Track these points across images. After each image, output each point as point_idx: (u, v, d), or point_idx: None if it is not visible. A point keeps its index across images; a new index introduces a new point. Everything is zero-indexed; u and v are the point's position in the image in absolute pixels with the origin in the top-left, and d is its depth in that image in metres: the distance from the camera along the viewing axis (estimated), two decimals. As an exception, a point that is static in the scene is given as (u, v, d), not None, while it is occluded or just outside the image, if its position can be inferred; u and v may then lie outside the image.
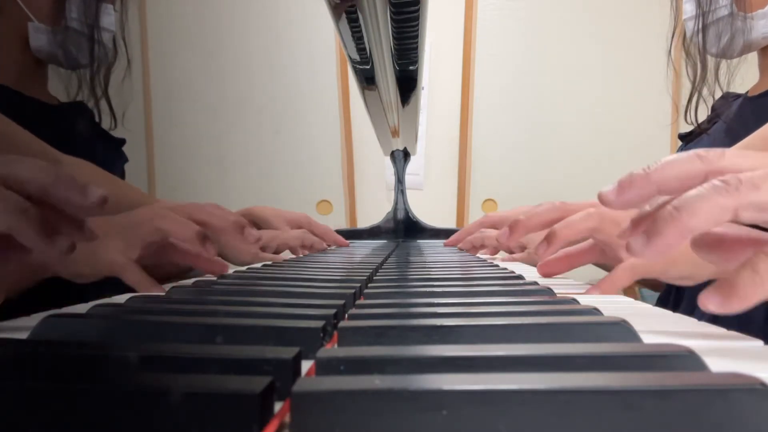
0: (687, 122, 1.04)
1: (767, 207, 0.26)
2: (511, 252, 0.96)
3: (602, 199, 0.32)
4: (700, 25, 0.89)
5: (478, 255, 0.95)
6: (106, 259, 0.50)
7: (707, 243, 0.29)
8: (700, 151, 0.30)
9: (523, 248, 0.93)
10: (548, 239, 0.53)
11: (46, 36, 0.86)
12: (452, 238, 1.07)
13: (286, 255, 0.91)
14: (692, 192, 0.27)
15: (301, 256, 0.91)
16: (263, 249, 0.87)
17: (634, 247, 0.28)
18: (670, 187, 0.30)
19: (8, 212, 0.31)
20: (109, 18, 0.92)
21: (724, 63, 0.94)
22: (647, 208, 0.33)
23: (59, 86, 0.96)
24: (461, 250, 1.02)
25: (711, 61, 0.94)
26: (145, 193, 0.90)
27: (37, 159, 0.33)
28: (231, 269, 0.63)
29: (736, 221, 0.27)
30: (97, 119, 1.00)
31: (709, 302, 0.27)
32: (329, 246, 1.04)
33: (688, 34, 0.93)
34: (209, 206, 0.60)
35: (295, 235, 0.94)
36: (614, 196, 0.32)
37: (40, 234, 0.31)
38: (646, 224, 0.31)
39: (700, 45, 0.90)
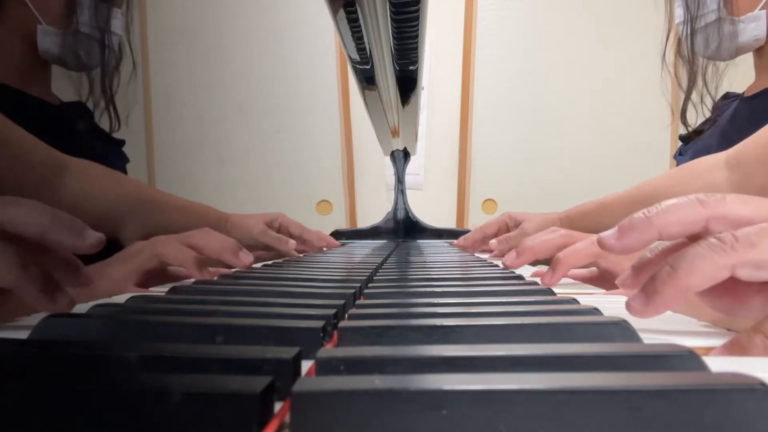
0: (682, 124, 1.05)
1: (764, 265, 0.26)
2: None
3: (602, 244, 0.32)
4: (689, 30, 0.90)
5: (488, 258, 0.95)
6: (105, 288, 0.51)
7: (714, 291, 0.29)
8: (701, 195, 0.30)
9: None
10: (553, 267, 0.54)
11: (55, 39, 0.87)
12: (468, 237, 1.04)
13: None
14: (689, 250, 0.28)
15: (301, 256, 0.91)
16: (269, 226, 0.89)
17: (634, 307, 0.29)
18: (672, 231, 0.30)
19: (10, 269, 0.31)
20: (117, 22, 0.93)
21: (712, 65, 0.95)
22: (648, 255, 0.33)
23: (64, 87, 0.97)
24: (462, 249, 1.01)
25: (700, 65, 0.94)
26: (156, 188, 0.91)
27: (33, 201, 0.33)
28: (230, 269, 0.63)
29: (734, 278, 0.27)
30: (97, 120, 1.01)
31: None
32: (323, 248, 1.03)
33: (682, 36, 0.94)
34: (204, 231, 0.62)
35: (296, 224, 0.94)
36: (614, 241, 0.32)
37: (42, 291, 0.32)
38: (647, 273, 0.32)
39: (689, 49, 0.91)
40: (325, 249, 1.02)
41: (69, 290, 0.34)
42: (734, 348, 0.26)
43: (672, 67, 1.08)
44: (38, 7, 0.86)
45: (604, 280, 0.59)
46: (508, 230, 0.97)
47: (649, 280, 0.28)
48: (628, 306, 0.29)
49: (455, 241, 1.04)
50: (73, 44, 0.87)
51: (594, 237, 0.56)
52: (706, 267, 0.27)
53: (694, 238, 0.30)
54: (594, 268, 0.62)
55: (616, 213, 0.68)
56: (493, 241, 0.88)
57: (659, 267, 0.28)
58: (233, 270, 0.61)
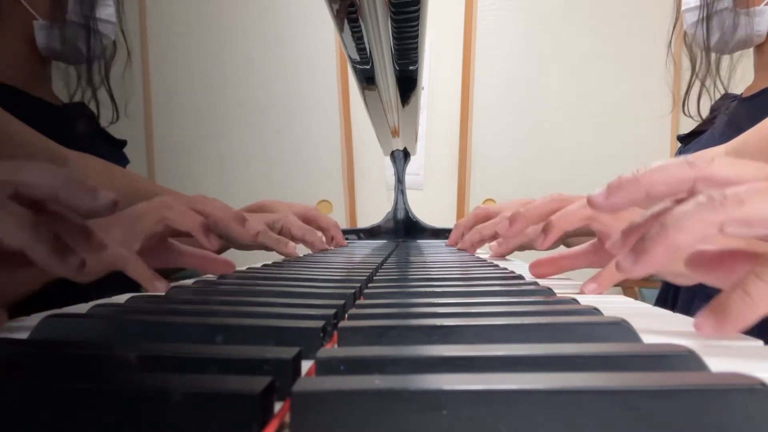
0: (686, 114, 1.04)
1: (752, 222, 0.27)
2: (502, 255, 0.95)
3: (591, 202, 0.33)
4: (703, 15, 0.88)
5: (476, 254, 0.95)
6: (109, 252, 0.50)
7: (702, 262, 0.29)
8: (689, 156, 0.31)
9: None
10: (545, 230, 0.54)
11: (50, 32, 0.86)
12: (451, 237, 1.06)
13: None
14: (678, 209, 0.28)
15: (301, 256, 0.91)
16: (270, 228, 0.87)
17: (623, 266, 0.29)
18: (659, 191, 0.31)
19: (22, 229, 0.31)
20: (107, 9, 0.91)
21: (726, 57, 0.94)
22: (637, 219, 0.33)
23: (60, 83, 0.96)
24: (461, 250, 1.02)
25: (713, 53, 0.93)
26: (155, 183, 0.90)
27: (46, 163, 0.33)
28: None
29: (721, 235, 0.27)
30: (97, 114, 1.00)
31: (704, 326, 0.28)
32: (331, 243, 1.03)
33: (686, 26, 0.93)
34: (209, 199, 0.61)
35: (298, 225, 0.93)
36: (603, 199, 0.32)
37: (53, 252, 0.31)
38: (635, 237, 0.32)
39: (704, 36, 0.90)
40: (331, 247, 1.03)
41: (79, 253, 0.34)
42: (716, 308, 0.27)
43: (677, 57, 1.07)
44: (31, 3, 0.85)
45: (596, 253, 0.59)
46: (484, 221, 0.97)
47: (639, 240, 0.29)
48: (618, 266, 0.29)
49: (459, 245, 1.04)
50: (67, 36, 0.86)
51: (584, 200, 0.56)
52: (695, 224, 0.27)
53: (683, 201, 0.30)
54: (592, 241, 0.61)
55: None
56: (493, 244, 0.88)
57: (650, 226, 0.28)
58: (233, 270, 0.61)
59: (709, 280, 0.30)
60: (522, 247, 0.94)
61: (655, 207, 0.33)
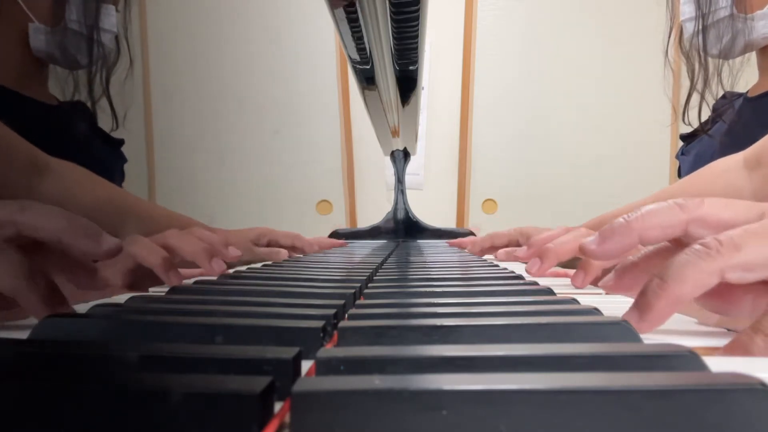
0: (685, 123, 1.04)
1: (752, 267, 0.26)
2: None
3: (584, 250, 0.33)
4: (700, 27, 0.89)
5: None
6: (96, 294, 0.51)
7: (704, 294, 0.29)
8: (679, 200, 0.31)
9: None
10: (583, 267, 0.53)
11: (46, 36, 0.86)
12: (474, 248, 1.03)
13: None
14: (676, 259, 0.27)
15: (300, 256, 0.91)
16: (256, 243, 0.87)
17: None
18: (652, 235, 0.31)
19: (16, 277, 0.31)
20: (110, 19, 0.92)
21: (726, 64, 0.94)
22: (630, 258, 0.33)
23: (57, 86, 0.96)
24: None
25: (712, 62, 0.93)
26: (135, 195, 0.89)
27: (51, 206, 0.33)
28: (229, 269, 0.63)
29: (724, 282, 0.27)
30: (96, 120, 1.00)
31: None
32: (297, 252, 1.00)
33: (686, 35, 0.93)
34: (187, 232, 0.60)
35: (284, 234, 0.92)
36: (596, 246, 0.32)
37: (43, 302, 0.31)
38: (630, 276, 0.32)
39: (700, 46, 0.90)
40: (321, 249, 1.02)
41: (81, 291, 0.34)
42: (736, 349, 0.26)
43: (675, 65, 1.07)
44: (29, 6, 0.85)
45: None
46: (518, 245, 0.95)
47: (640, 295, 0.28)
48: None
49: (467, 248, 1.03)
50: (63, 41, 0.87)
51: (580, 230, 0.56)
52: (695, 275, 0.27)
53: (676, 242, 0.30)
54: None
55: None
56: (500, 252, 0.88)
57: (649, 279, 0.28)
58: (232, 270, 0.61)
59: (711, 308, 0.30)
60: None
61: (648, 247, 0.33)
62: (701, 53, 0.92)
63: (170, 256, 0.55)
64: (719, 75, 0.94)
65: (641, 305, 0.28)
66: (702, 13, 0.88)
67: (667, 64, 1.07)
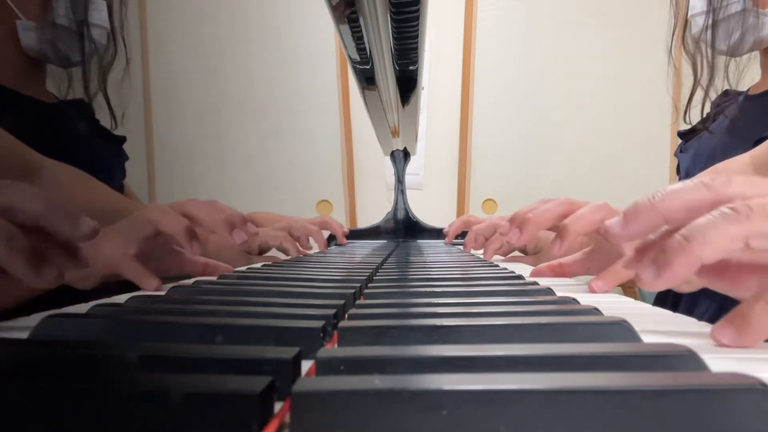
0: (686, 123, 1.04)
1: None
2: (524, 251, 0.95)
3: (608, 233, 0.32)
4: (710, 21, 0.87)
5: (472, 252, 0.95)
6: (103, 257, 0.51)
7: (711, 269, 0.28)
8: (706, 179, 0.29)
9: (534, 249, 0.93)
10: (560, 235, 0.53)
11: (35, 34, 0.85)
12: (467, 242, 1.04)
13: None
14: (701, 220, 0.26)
15: (291, 257, 0.91)
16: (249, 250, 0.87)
17: (644, 279, 0.28)
18: (677, 217, 0.30)
19: None
20: (99, 14, 0.90)
21: (733, 61, 0.93)
22: (651, 236, 0.32)
23: (53, 84, 0.95)
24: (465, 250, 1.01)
25: (718, 59, 0.93)
26: (128, 198, 0.89)
27: (29, 185, 0.33)
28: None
29: (746, 249, 0.26)
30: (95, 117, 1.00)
31: (722, 336, 0.27)
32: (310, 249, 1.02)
33: (694, 30, 0.92)
34: (206, 203, 0.60)
35: (273, 235, 0.92)
36: (620, 228, 0.31)
37: (27, 263, 0.31)
38: (652, 252, 0.31)
39: (709, 42, 0.89)
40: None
41: (63, 268, 0.34)
42: (736, 318, 0.26)
43: (677, 62, 1.07)
44: (15, 2, 0.84)
45: (592, 259, 0.59)
46: None
47: (660, 252, 0.27)
48: (638, 279, 0.28)
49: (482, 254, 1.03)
50: (51, 38, 0.85)
51: (598, 203, 0.56)
52: (720, 237, 0.26)
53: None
54: (581, 253, 0.61)
55: None
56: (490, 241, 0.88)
57: (671, 237, 0.27)
58: (233, 270, 0.61)
59: (716, 286, 0.30)
60: (524, 251, 0.94)
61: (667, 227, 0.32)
62: (708, 49, 0.92)
63: (192, 225, 0.54)
64: (726, 71, 0.94)
65: (660, 261, 0.27)
66: (713, 8, 0.87)
67: (671, 61, 1.07)
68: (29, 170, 0.67)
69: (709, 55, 0.91)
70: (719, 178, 0.29)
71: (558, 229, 0.54)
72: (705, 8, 0.89)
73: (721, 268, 0.28)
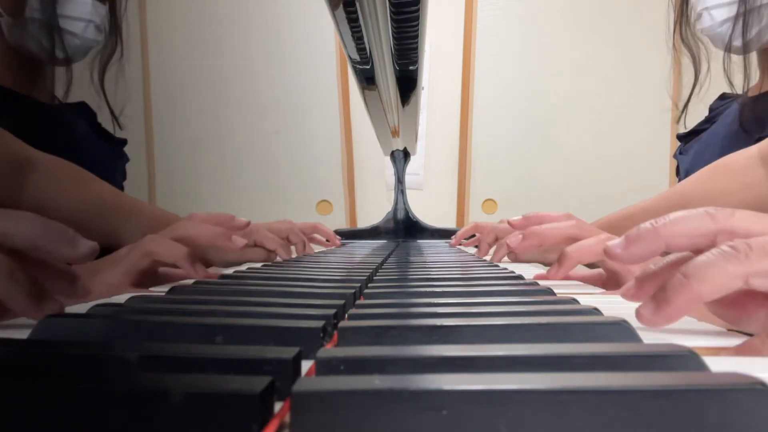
0: (684, 127, 1.04)
1: None
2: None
3: (609, 253, 0.32)
4: (742, 11, 0.86)
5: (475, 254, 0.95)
6: (103, 288, 0.51)
7: (718, 301, 0.29)
8: (710, 209, 0.30)
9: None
10: (560, 260, 0.54)
11: (14, 30, 0.83)
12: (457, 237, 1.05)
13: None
14: (701, 258, 0.27)
15: (302, 256, 0.91)
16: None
17: (644, 315, 0.28)
18: (679, 243, 0.30)
19: None
20: (77, 6, 0.88)
21: (737, 59, 0.92)
22: (652, 267, 0.33)
23: (48, 82, 0.94)
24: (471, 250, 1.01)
25: (728, 55, 0.92)
26: (126, 194, 0.88)
27: (25, 212, 0.33)
28: (230, 270, 0.63)
29: (747, 288, 0.26)
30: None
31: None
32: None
33: (707, 24, 0.90)
34: (185, 222, 0.60)
35: (270, 237, 0.92)
36: (621, 250, 0.32)
37: (29, 299, 0.31)
38: (651, 285, 0.31)
39: (726, 35, 0.88)
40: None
41: (62, 299, 0.34)
42: (747, 352, 0.26)
43: (675, 60, 1.06)
44: None
45: (609, 282, 0.59)
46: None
47: (660, 289, 0.28)
48: (638, 315, 0.28)
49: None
50: (31, 33, 0.83)
51: (604, 235, 0.56)
52: (719, 276, 0.26)
53: (701, 252, 0.30)
54: (600, 270, 0.61)
55: None
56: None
57: (671, 275, 0.28)
58: (233, 270, 0.61)
59: (724, 317, 0.30)
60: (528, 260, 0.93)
61: (671, 256, 0.32)
62: (714, 44, 0.90)
63: (190, 248, 0.55)
64: (729, 68, 0.93)
65: (660, 299, 0.28)
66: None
67: (672, 57, 1.06)
68: (22, 164, 0.67)
69: (728, 47, 0.90)
70: (723, 210, 0.30)
71: (560, 255, 0.54)
72: (724, 0, 0.87)
73: (729, 300, 0.28)
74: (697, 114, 1.03)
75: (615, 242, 0.32)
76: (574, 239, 0.56)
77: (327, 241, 1.12)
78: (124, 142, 1.05)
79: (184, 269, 0.54)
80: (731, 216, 0.29)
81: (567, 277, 0.61)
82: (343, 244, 1.24)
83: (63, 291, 0.35)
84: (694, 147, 0.99)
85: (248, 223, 0.62)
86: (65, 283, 0.35)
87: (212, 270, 0.63)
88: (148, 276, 0.56)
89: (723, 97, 0.98)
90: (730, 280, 0.26)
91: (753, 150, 0.69)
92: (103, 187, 0.79)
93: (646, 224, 0.31)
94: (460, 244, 1.15)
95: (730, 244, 0.27)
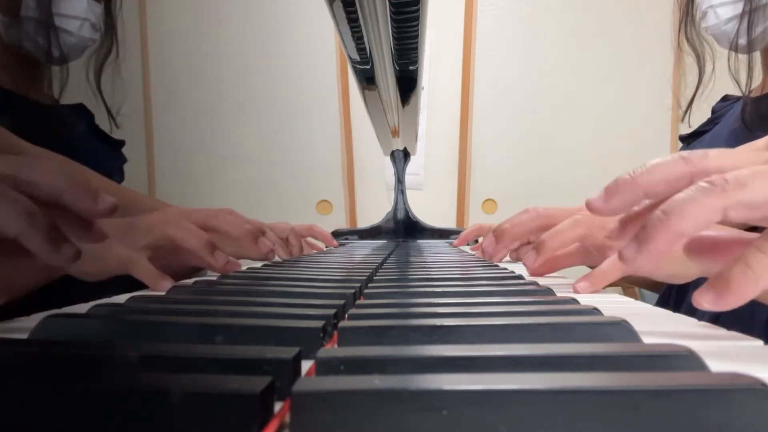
0: (689, 126, 1.04)
1: (756, 205, 0.26)
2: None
3: (590, 207, 0.32)
4: (738, 12, 0.86)
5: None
6: (114, 254, 0.51)
7: (700, 248, 0.29)
8: (683, 152, 0.30)
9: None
10: (537, 248, 0.54)
11: (9, 29, 0.83)
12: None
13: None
14: (679, 195, 0.27)
15: (301, 257, 0.91)
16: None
17: (626, 255, 0.28)
18: (657, 190, 0.30)
19: (17, 217, 0.31)
20: (74, 4, 0.87)
21: (743, 58, 0.92)
22: (635, 208, 0.33)
23: (46, 81, 0.94)
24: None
25: (732, 54, 0.91)
26: (121, 186, 0.88)
27: (51, 160, 0.33)
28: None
29: (726, 221, 0.27)
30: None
31: (703, 300, 0.27)
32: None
33: (712, 22, 0.90)
34: (223, 212, 0.60)
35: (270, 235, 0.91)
36: (602, 203, 0.32)
37: (47, 240, 0.31)
38: (634, 226, 0.31)
39: (731, 33, 0.88)
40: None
41: (79, 243, 0.34)
42: (716, 281, 0.26)
43: (676, 60, 1.06)
44: None
45: (586, 254, 0.58)
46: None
47: (641, 228, 0.28)
48: (621, 256, 0.28)
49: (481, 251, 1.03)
50: (26, 32, 0.83)
51: (577, 216, 0.56)
52: (698, 210, 0.26)
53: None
54: (576, 243, 0.61)
55: None
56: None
57: (651, 214, 0.28)
58: (233, 270, 0.61)
59: (708, 265, 0.30)
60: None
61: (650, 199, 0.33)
62: (720, 43, 0.90)
63: (212, 238, 0.55)
64: (736, 67, 0.92)
65: (641, 238, 0.28)
66: None
67: (674, 57, 1.06)
68: (10, 154, 0.67)
69: (734, 45, 0.89)
70: (696, 152, 0.30)
71: (536, 243, 0.54)
72: None
73: (710, 247, 0.28)
74: (699, 115, 1.03)
75: (595, 196, 0.32)
76: (544, 228, 0.56)
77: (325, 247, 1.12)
78: (121, 143, 1.05)
79: (204, 257, 0.54)
80: (705, 157, 0.30)
81: (549, 269, 0.61)
82: (342, 244, 1.24)
83: (79, 235, 0.35)
84: (696, 148, 0.99)
85: (273, 249, 0.61)
86: (82, 227, 0.36)
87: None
88: (166, 253, 0.56)
89: (726, 98, 0.98)
90: (709, 214, 0.26)
91: (760, 143, 0.69)
92: (98, 179, 0.78)
93: (624, 174, 0.31)
94: (468, 245, 1.15)
95: (707, 179, 0.27)
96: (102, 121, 1.02)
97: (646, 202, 0.32)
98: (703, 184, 0.27)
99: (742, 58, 0.92)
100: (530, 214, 0.61)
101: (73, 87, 0.98)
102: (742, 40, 0.87)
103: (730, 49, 0.90)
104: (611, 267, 0.49)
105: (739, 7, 0.86)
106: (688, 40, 0.98)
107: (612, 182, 0.32)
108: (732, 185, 0.26)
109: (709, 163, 0.29)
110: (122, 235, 0.54)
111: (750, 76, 0.91)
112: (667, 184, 0.30)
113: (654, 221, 0.27)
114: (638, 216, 0.32)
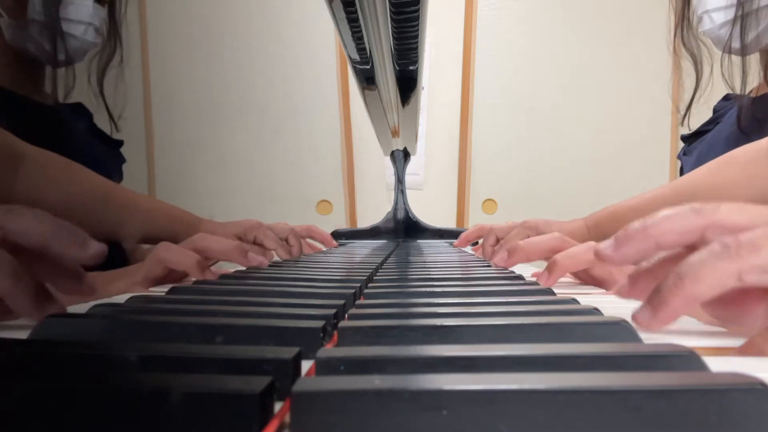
0: (689, 128, 1.04)
1: None
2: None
3: (599, 255, 0.32)
4: (732, 17, 0.86)
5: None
6: (114, 291, 0.52)
7: (716, 300, 0.29)
8: (696, 204, 0.30)
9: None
10: (549, 269, 0.54)
11: (15, 31, 0.83)
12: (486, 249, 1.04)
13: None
14: (693, 258, 0.27)
15: (300, 256, 0.91)
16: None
17: (640, 320, 0.28)
18: (668, 241, 0.30)
19: (2, 277, 0.30)
20: (80, 9, 0.88)
21: (732, 61, 0.92)
22: (644, 264, 0.33)
23: (49, 84, 0.94)
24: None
25: (727, 57, 0.92)
26: (121, 186, 0.88)
27: (36, 210, 0.33)
28: (231, 268, 0.63)
29: (741, 285, 0.26)
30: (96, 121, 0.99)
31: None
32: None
33: (708, 27, 0.90)
34: (205, 236, 0.61)
35: (270, 236, 0.90)
36: (611, 251, 0.32)
37: (31, 301, 0.31)
38: (644, 282, 0.32)
39: (725, 38, 0.88)
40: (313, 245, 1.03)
41: (67, 297, 0.34)
42: (750, 350, 0.26)
43: (677, 57, 1.06)
44: None
45: (592, 279, 0.59)
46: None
47: (655, 291, 0.28)
48: (635, 319, 0.28)
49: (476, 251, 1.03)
50: (32, 35, 0.84)
51: (592, 242, 0.56)
52: (712, 274, 0.26)
53: (692, 248, 0.30)
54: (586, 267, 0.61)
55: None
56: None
57: (665, 277, 0.28)
58: (233, 270, 0.61)
59: (723, 317, 0.30)
60: None
61: (661, 253, 0.33)
62: (716, 46, 0.90)
63: (202, 257, 0.57)
64: (726, 71, 0.93)
65: (655, 302, 0.28)
66: (740, 1, 0.86)
67: (674, 59, 1.06)
68: (11, 155, 0.67)
69: (728, 48, 0.90)
70: (709, 205, 0.30)
71: (549, 263, 0.55)
72: (723, 3, 0.87)
73: (727, 299, 0.28)
74: (700, 115, 1.03)
75: (605, 244, 0.32)
76: (558, 250, 0.57)
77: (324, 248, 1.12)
78: (120, 143, 1.05)
79: (195, 277, 0.55)
80: (717, 210, 0.30)
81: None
82: (342, 244, 1.24)
83: (68, 288, 0.35)
84: (698, 148, 0.99)
85: (262, 262, 0.63)
86: (71, 281, 0.35)
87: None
88: (163, 278, 0.57)
89: (727, 97, 0.98)
90: (724, 278, 0.26)
91: (761, 143, 0.69)
92: (95, 179, 0.78)
93: (635, 224, 0.31)
94: (471, 245, 1.15)
95: (720, 241, 0.27)
96: (101, 122, 1.02)
97: (657, 255, 0.32)
98: (715, 247, 0.27)
99: (736, 62, 0.92)
100: (547, 234, 0.62)
101: (76, 89, 0.98)
102: (736, 44, 0.87)
103: (725, 51, 0.90)
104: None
105: (731, 13, 0.87)
106: (684, 44, 0.98)
107: (622, 231, 0.32)
108: (745, 248, 0.26)
109: (722, 218, 0.29)
110: (119, 274, 0.57)
111: (744, 81, 0.91)
112: (679, 236, 0.30)
113: (668, 284, 0.27)
114: (648, 272, 0.32)
